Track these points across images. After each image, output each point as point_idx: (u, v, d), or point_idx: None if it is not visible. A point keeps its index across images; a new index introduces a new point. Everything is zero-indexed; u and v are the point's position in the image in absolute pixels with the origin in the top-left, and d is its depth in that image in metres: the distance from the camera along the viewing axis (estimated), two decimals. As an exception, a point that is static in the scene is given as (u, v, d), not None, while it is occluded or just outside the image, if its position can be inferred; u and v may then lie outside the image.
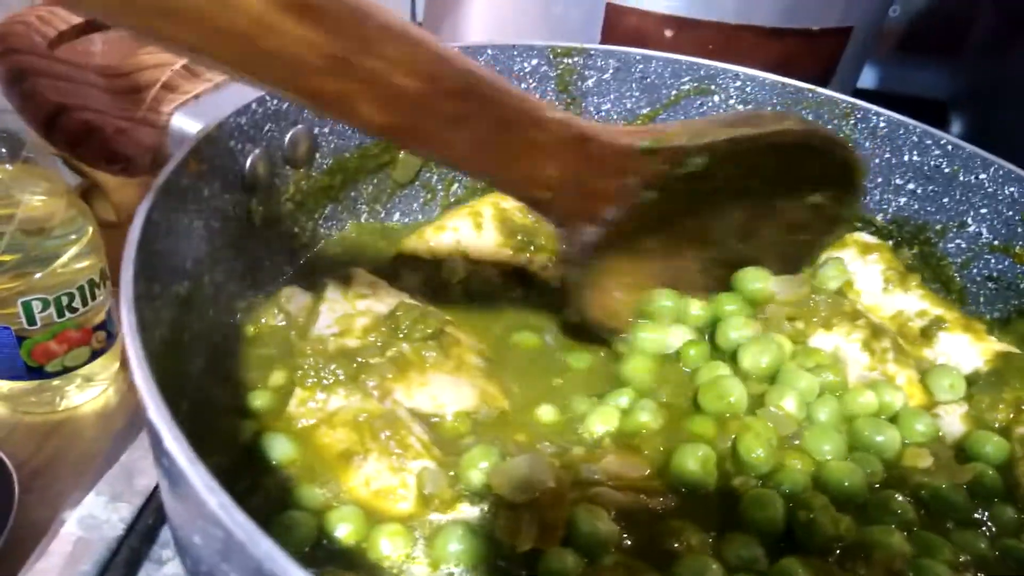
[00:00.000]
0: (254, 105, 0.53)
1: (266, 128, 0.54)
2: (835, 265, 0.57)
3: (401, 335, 0.51)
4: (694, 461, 0.44)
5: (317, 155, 0.60)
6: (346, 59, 0.35)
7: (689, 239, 0.54)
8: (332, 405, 0.46)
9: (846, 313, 0.55)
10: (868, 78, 1.26)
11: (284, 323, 0.54)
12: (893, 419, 0.50)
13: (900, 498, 0.45)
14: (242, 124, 0.52)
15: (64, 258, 0.70)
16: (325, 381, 0.47)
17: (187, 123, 0.52)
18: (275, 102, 0.55)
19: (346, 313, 0.54)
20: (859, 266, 0.61)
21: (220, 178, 0.51)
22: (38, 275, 0.69)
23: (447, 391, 0.48)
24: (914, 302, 0.59)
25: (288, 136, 0.57)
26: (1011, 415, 0.51)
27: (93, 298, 0.74)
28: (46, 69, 0.49)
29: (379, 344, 0.50)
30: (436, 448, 0.46)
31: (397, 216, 0.69)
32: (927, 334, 0.57)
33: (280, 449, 0.44)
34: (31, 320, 0.70)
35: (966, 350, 0.56)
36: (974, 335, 0.57)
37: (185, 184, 0.47)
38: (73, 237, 0.71)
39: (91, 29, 0.58)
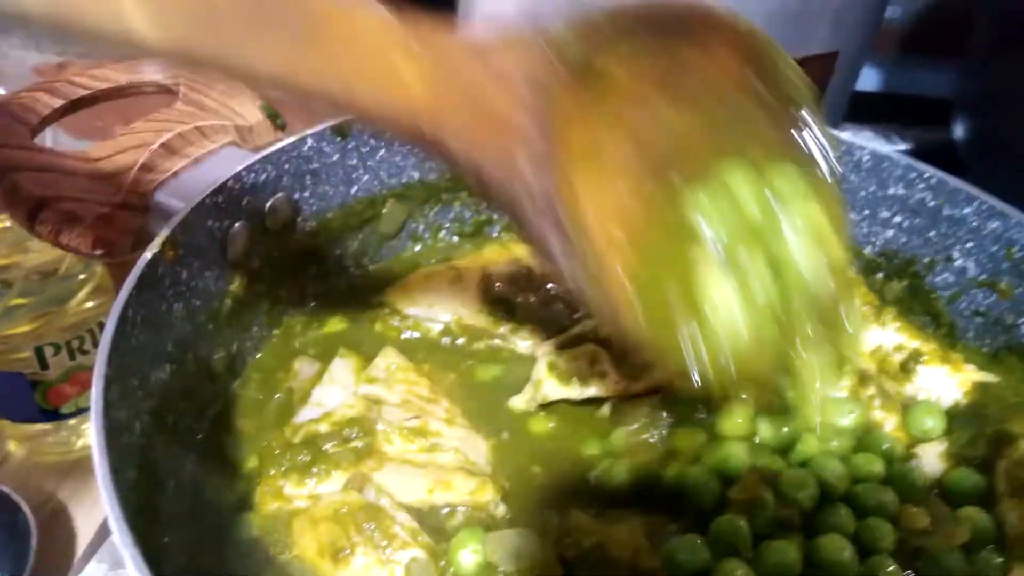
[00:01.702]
0: (230, 182, 0.54)
1: (244, 201, 0.55)
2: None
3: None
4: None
5: (299, 219, 0.61)
6: None
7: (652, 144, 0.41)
8: (292, 493, 0.47)
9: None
10: (872, 80, 1.24)
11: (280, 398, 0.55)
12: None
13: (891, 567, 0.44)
14: (219, 202, 0.53)
15: (79, 296, 0.72)
16: (282, 469, 0.48)
17: (168, 202, 0.53)
18: (252, 176, 0.56)
19: (343, 402, 0.54)
20: None
21: (199, 258, 0.52)
22: (54, 316, 0.70)
23: (417, 481, 0.49)
24: (891, 336, 0.59)
25: (268, 205, 0.58)
26: (991, 450, 0.51)
27: None
28: (27, 161, 0.51)
29: (352, 434, 0.50)
30: (424, 535, 0.46)
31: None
32: (906, 368, 0.57)
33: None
34: (44, 365, 0.72)
35: (945, 382, 0.56)
36: (952, 366, 0.56)
37: (162, 272, 0.48)
38: (83, 277, 0.72)
39: (73, 109, 0.59)
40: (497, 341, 0.62)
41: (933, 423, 0.53)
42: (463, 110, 0.36)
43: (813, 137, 0.41)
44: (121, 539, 0.31)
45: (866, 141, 1.18)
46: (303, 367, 0.58)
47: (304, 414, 0.54)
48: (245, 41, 0.32)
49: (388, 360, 0.58)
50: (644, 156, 0.39)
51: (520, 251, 0.67)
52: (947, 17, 1.18)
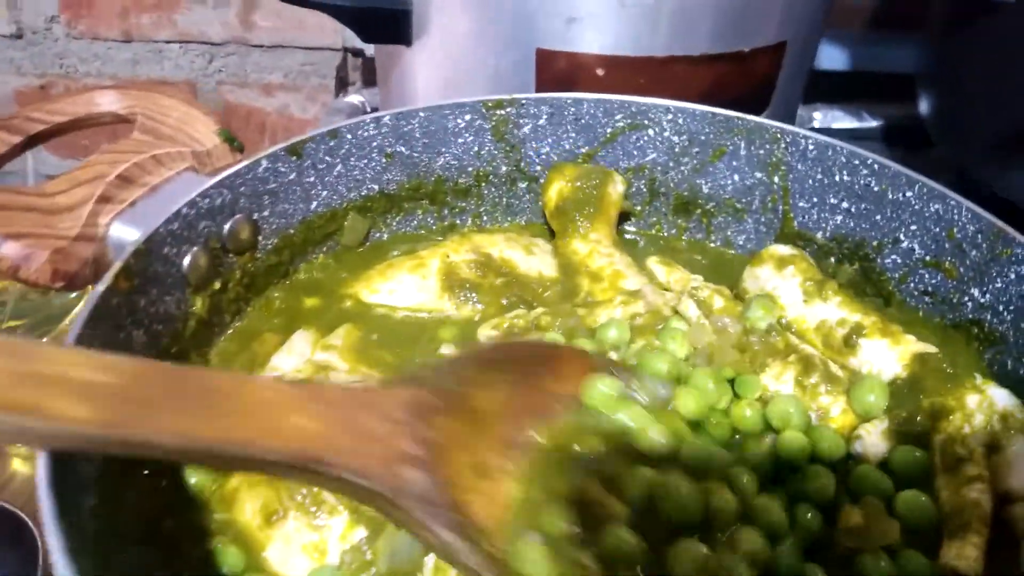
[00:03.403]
0: (184, 209, 0.55)
1: (201, 226, 0.57)
2: (761, 303, 0.58)
3: None
4: None
5: (260, 237, 0.63)
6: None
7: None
8: None
9: (778, 351, 0.56)
10: (839, 59, 1.25)
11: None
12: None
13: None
14: (174, 230, 0.54)
15: (72, 315, 0.73)
16: None
17: (125, 231, 0.55)
18: (206, 200, 0.57)
19: (294, 367, 0.57)
20: (779, 281, 0.61)
21: (157, 285, 0.53)
22: (48, 335, 0.72)
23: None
24: (834, 310, 0.59)
25: (227, 227, 0.59)
26: (928, 424, 0.52)
27: None
28: (-17, 200, 0.52)
29: None
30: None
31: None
32: (849, 343, 0.57)
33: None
34: None
35: (886, 355, 0.56)
36: (892, 338, 0.56)
37: (117, 303, 0.49)
38: (75, 296, 0.73)
39: (31, 144, 0.61)
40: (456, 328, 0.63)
41: (875, 398, 0.53)
42: (357, 443, 0.42)
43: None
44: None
45: (835, 120, 1.21)
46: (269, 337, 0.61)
47: None
48: (162, 418, 0.37)
49: (345, 331, 0.60)
50: (512, 461, 0.48)
51: (481, 240, 0.68)
52: (908, -6, 1.19)
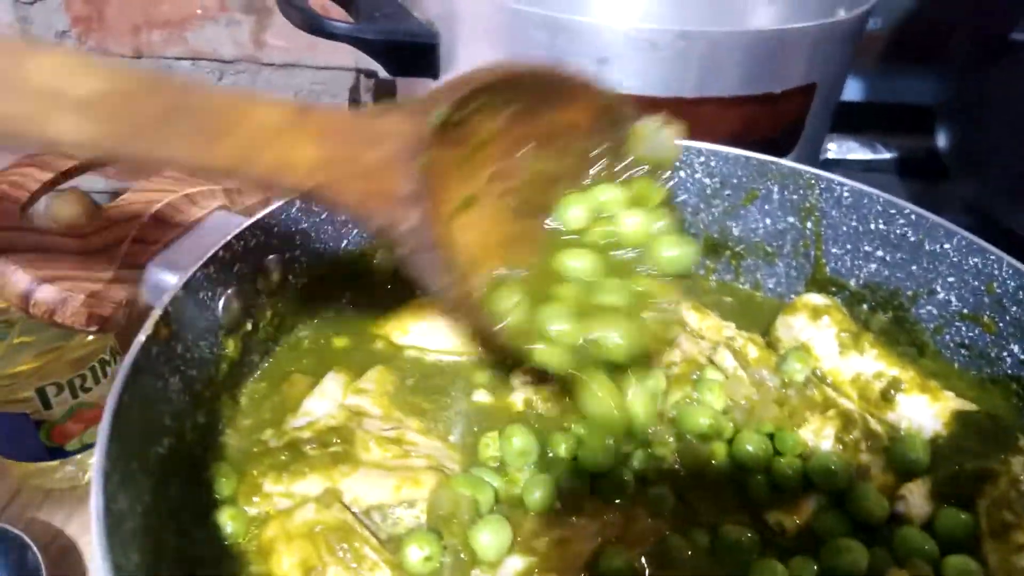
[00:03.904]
0: (221, 252, 0.54)
1: (235, 268, 0.56)
2: (797, 356, 0.58)
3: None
4: None
5: (290, 277, 0.62)
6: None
7: (518, 189, 0.54)
8: (271, 490, 0.51)
9: (816, 404, 0.56)
10: (855, 90, 1.25)
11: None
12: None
13: None
14: (210, 273, 0.54)
15: (86, 340, 0.73)
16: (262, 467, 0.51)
17: (161, 274, 0.54)
18: (241, 243, 0.56)
19: (328, 412, 0.56)
20: (813, 331, 0.61)
21: (192, 330, 0.53)
22: (56, 353, 0.71)
23: (385, 482, 0.51)
24: (870, 363, 0.59)
25: (260, 268, 0.59)
26: (973, 486, 0.51)
27: (105, 375, 0.76)
28: (18, 242, 0.51)
29: (333, 439, 0.53)
30: (387, 551, 0.48)
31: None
32: (887, 397, 0.57)
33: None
34: (47, 404, 0.73)
35: (925, 411, 0.56)
36: (931, 395, 0.57)
37: (156, 352, 0.49)
38: None
39: (63, 179, 0.60)
40: (489, 371, 0.62)
41: (917, 456, 0.53)
42: (352, 175, 0.43)
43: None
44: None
45: (850, 152, 1.21)
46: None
47: (292, 423, 0.56)
48: (164, 137, 0.38)
49: (377, 375, 0.60)
50: (504, 193, 0.52)
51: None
52: (928, 28, 1.19)
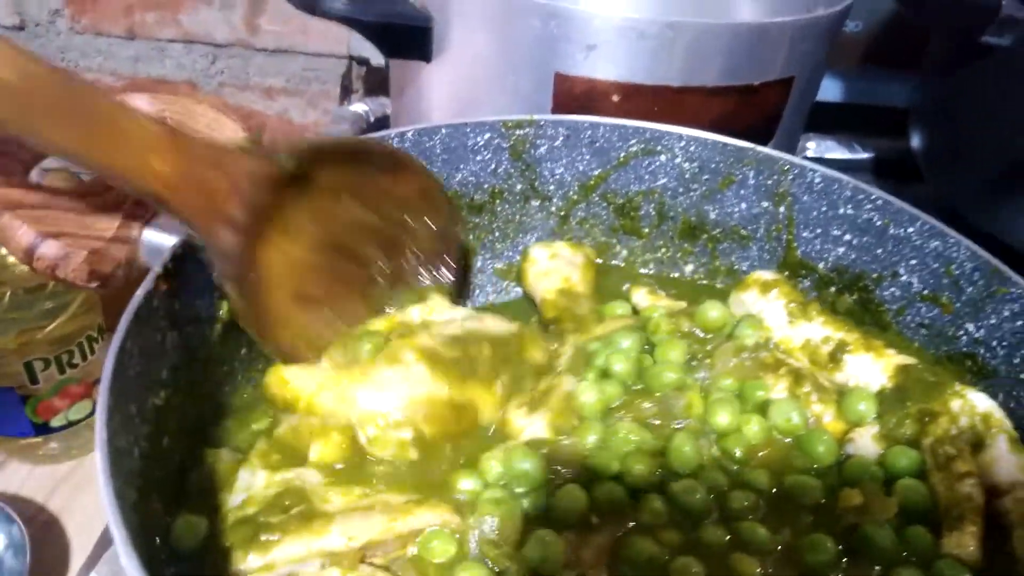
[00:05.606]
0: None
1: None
2: (748, 323, 0.62)
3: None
4: None
5: (285, 243, 0.64)
6: None
7: (341, 248, 0.62)
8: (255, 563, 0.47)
9: (768, 365, 0.60)
10: (833, 91, 1.28)
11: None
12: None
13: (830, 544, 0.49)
14: (208, 235, 0.56)
15: (68, 311, 0.74)
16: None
17: (158, 236, 0.56)
18: (239, 208, 0.58)
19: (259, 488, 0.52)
20: (764, 304, 0.65)
21: (191, 288, 0.55)
22: (47, 329, 0.72)
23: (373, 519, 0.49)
24: (818, 329, 0.63)
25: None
26: (917, 428, 0.56)
27: (92, 352, 0.78)
28: (23, 200, 0.53)
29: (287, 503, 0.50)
30: None
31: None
32: (835, 358, 0.61)
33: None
34: (33, 379, 0.74)
35: (871, 368, 0.60)
36: (875, 353, 0.61)
37: (156, 305, 0.51)
38: (70, 294, 0.74)
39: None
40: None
41: (865, 406, 0.58)
42: (197, 191, 0.50)
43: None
44: (127, 560, 0.34)
45: (828, 151, 1.24)
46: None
47: (232, 502, 0.52)
48: (49, 125, 0.44)
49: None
50: (325, 233, 0.60)
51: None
52: (905, 31, 1.23)
